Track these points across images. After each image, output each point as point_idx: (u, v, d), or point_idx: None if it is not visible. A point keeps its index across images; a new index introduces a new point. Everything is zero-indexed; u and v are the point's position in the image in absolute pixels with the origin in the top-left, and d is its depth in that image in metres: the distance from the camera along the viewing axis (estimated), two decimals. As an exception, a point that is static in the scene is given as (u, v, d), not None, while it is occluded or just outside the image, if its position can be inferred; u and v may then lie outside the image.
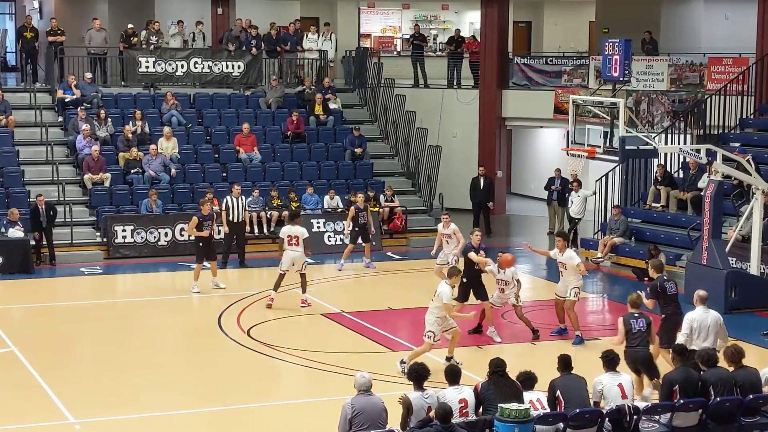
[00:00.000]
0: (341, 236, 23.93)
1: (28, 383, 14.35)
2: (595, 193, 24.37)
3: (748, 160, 19.24)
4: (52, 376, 14.53)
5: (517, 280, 16.71)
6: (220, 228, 21.74)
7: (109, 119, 25.07)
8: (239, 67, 27.68)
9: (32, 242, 21.71)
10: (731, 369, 11.94)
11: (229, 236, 21.75)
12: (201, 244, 19.61)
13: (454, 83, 29.48)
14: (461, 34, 30.90)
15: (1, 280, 20.71)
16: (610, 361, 11.59)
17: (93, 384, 14.48)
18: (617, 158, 19.05)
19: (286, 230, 18.50)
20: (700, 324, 13.21)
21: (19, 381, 14.49)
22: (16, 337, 16.51)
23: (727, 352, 12.01)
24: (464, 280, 16.31)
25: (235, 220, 21.70)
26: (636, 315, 13.44)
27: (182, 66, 27.24)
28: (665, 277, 14.67)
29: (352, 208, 21.74)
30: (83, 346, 16.75)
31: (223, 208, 21.66)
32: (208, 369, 15.17)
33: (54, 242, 22.04)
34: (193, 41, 28.14)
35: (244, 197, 22.33)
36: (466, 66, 29.80)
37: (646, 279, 19.39)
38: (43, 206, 21.83)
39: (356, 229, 21.77)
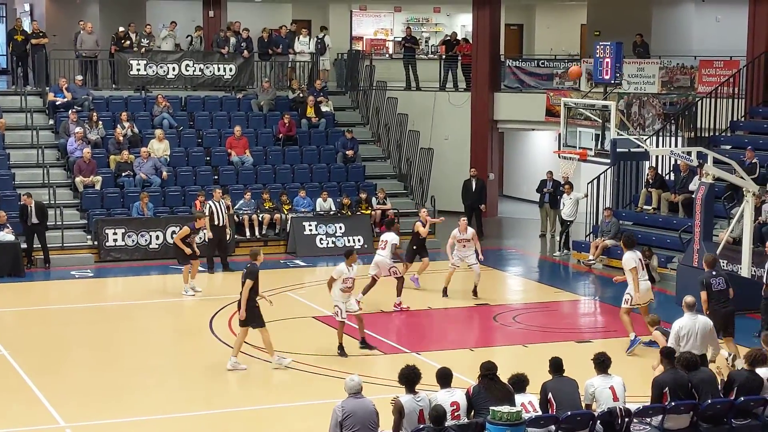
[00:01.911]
0: (333, 239, 23.91)
1: (19, 387, 14.32)
2: (586, 196, 24.40)
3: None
4: (42, 380, 14.49)
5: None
6: (205, 231, 21.74)
7: (100, 122, 25.03)
8: (231, 70, 27.66)
9: (23, 245, 21.66)
10: (744, 367, 11.95)
11: (214, 240, 21.69)
12: (183, 251, 19.69)
13: (450, 86, 29.49)
14: (456, 37, 30.90)
15: (-9, 283, 20.67)
16: (601, 363, 11.61)
17: (84, 387, 14.44)
18: (609, 161, 19.07)
19: (382, 236, 19.18)
20: (687, 331, 13.20)
21: (10, 384, 14.45)
22: (7, 340, 16.47)
23: (751, 356, 11.91)
24: (414, 247, 19.73)
25: (219, 224, 21.63)
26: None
27: (173, 69, 27.21)
28: (713, 273, 15.28)
29: (418, 223, 20.32)
30: (74, 349, 16.70)
31: (207, 212, 21.61)
32: (199, 372, 15.13)
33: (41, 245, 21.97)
34: (190, 45, 28.13)
35: (224, 201, 22.20)
36: (459, 68, 29.80)
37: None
38: (32, 206, 21.74)
39: (414, 247, 20.31)
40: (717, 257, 16.32)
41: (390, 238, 18.77)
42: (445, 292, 19.54)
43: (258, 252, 15.55)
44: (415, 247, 20.18)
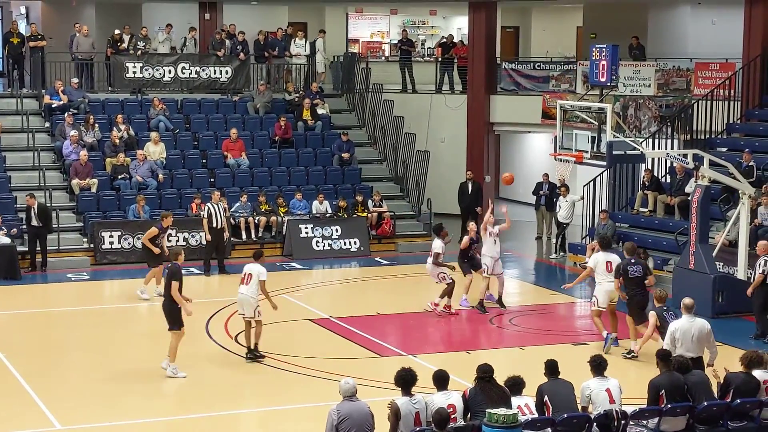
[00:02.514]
0: (329, 241, 23.91)
1: (15, 389, 14.31)
2: (582, 198, 24.42)
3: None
4: (38, 383, 14.48)
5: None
6: (201, 234, 21.73)
7: (96, 125, 25.03)
8: (227, 73, 27.67)
9: (23, 248, 21.66)
10: (740, 370, 11.96)
11: (211, 243, 21.67)
12: (153, 253, 19.37)
13: (447, 88, 29.51)
14: (452, 39, 30.95)
15: (-13, 286, 20.65)
16: (597, 365, 11.62)
17: (80, 390, 14.43)
18: (605, 163, 19.08)
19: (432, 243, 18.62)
20: (682, 334, 13.18)
21: (5, 387, 14.44)
22: (3, 343, 16.46)
23: (747, 357, 11.93)
24: (464, 260, 18.72)
25: (217, 227, 21.62)
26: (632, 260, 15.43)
27: (170, 71, 27.21)
28: (632, 260, 15.58)
29: (466, 238, 19.10)
30: (70, 352, 16.69)
31: (204, 215, 21.60)
32: (196, 375, 15.12)
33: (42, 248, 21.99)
34: (184, 46, 28.12)
35: (224, 203, 22.19)
36: (455, 71, 29.82)
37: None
38: (35, 207, 21.72)
39: (465, 260, 19.07)
40: (636, 246, 16.61)
41: (435, 245, 18.35)
42: (481, 304, 18.76)
43: (179, 252, 15.44)
44: (465, 260, 19.11)
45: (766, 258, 16.99)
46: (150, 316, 18.80)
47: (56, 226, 22.53)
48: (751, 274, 18.75)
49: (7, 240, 21.52)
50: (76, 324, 18.12)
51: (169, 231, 21.01)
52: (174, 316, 14.79)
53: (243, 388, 14.79)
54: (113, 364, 15.65)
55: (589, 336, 17.17)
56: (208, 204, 21.79)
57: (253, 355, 15.59)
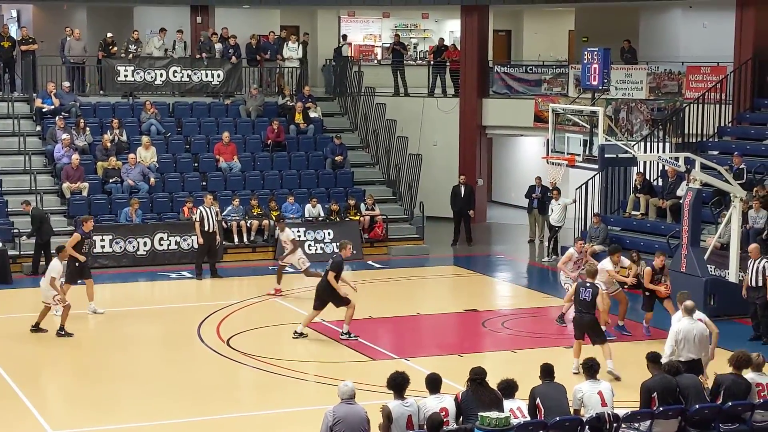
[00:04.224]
0: (322, 245, 23.90)
1: (5, 394, 14.27)
2: (575, 201, 24.45)
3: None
4: (29, 387, 14.46)
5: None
6: (193, 237, 21.71)
7: (88, 128, 25.00)
8: (219, 76, 27.65)
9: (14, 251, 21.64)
10: (729, 371, 11.99)
11: (204, 246, 21.66)
12: (77, 264, 18.46)
13: (439, 92, 29.54)
14: (444, 43, 30.98)
15: (-22, 290, 20.60)
16: (590, 368, 11.65)
17: (71, 394, 14.42)
18: (597, 166, 19.12)
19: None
20: (685, 336, 13.22)
21: (-3, 392, 14.42)
22: (-6, 347, 16.44)
23: (734, 357, 11.99)
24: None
25: (209, 230, 21.60)
26: (587, 284, 15.26)
27: (161, 75, 27.18)
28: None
29: (647, 269, 17.26)
30: (61, 356, 16.63)
31: (197, 218, 21.59)
32: (188, 378, 15.11)
33: (28, 252, 21.99)
34: (173, 50, 28.08)
35: (216, 207, 22.16)
36: (447, 74, 29.85)
37: (625, 287, 19.46)
38: (34, 213, 21.74)
39: (647, 293, 17.46)
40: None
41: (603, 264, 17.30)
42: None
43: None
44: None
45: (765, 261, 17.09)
46: (141, 319, 18.77)
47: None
48: (742, 276, 18.82)
49: (-2, 244, 21.50)
50: (67, 328, 18.08)
51: (92, 236, 20.30)
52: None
53: (235, 392, 14.78)
54: (105, 369, 15.63)
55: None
56: (201, 207, 21.77)
57: (37, 329, 17.24)
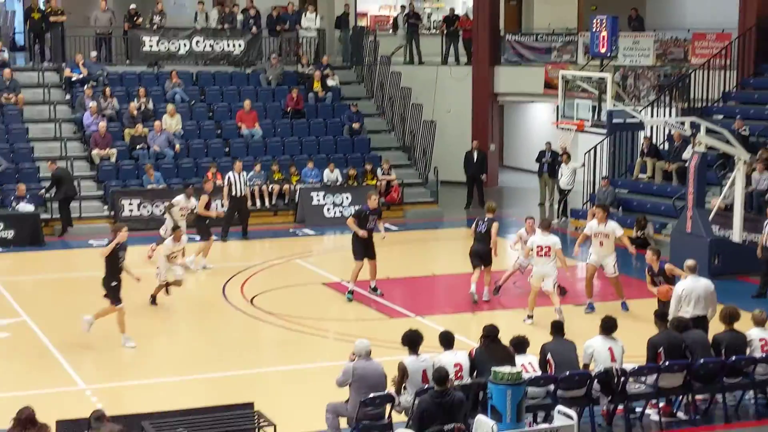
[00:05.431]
0: (340, 208, 23.90)
1: (40, 351, 14.39)
2: (584, 165, 24.37)
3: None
4: (62, 344, 14.56)
5: None
6: (221, 202, 21.76)
7: (115, 97, 25.00)
8: (240, 46, 27.57)
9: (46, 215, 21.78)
10: (721, 329, 12.00)
11: (231, 210, 21.72)
12: (207, 221, 19.38)
13: (452, 60, 29.37)
14: (455, 12, 30.78)
15: (12, 252, 20.70)
16: (608, 326, 11.60)
17: (102, 351, 14.50)
18: (605, 131, 19.10)
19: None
20: (689, 293, 13.17)
21: (30, 349, 14.53)
22: (28, 306, 16.54)
23: (723, 312, 12.05)
24: (358, 240, 16.92)
25: (238, 195, 21.67)
26: (486, 218, 16.56)
27: (185, 45, 27.13)
28: (483, 219, 16.66)
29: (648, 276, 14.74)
30: (92, 314, 16.72)
31: (226, 183, 21.65)
32: (213, 336, 15.19)
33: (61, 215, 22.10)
34: (195, 20, 28.01)
35: (245, 172, 22.29)
36: (460, 43, 29.68)
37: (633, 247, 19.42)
38: (54, 172, 21.86)
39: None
40: (493, 207, 17.02)
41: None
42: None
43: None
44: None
45: None
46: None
47: (77, 194, 22.53)
48: (746, 237, 18.76)
49: (30, 208, 21.58)
50: (98, 288, 18.12)
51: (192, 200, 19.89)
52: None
53: (259, 349, 14.85)
54: (134, 326, 15.69)
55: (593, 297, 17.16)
56: (230, 173, 21.85)
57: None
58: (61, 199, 21.91)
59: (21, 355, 14.34)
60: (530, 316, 15.73)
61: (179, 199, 19.46)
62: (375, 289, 17.09)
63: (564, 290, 16.75)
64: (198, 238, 19.40)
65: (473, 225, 16.95)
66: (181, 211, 19.32)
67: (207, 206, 19.44)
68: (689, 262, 13.51)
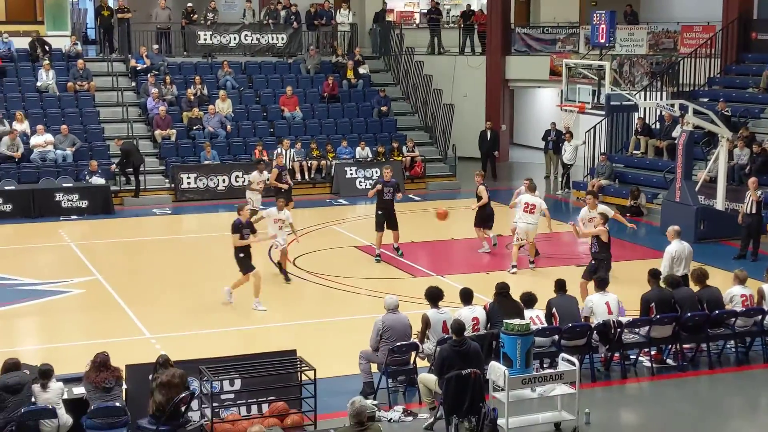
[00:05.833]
0: (370, 181, 23.85)
1: (111, 305, 14.51)
2: (584, 143, 24.22)
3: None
4: (130, 299, 14.68)
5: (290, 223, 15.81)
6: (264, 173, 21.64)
7: (174, 84, 25.02)
8: (282, 39, 27.51)
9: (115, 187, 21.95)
10: (696, 288, 11.96)
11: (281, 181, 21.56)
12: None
13: (469, 50, 29.18)
14: (471, 8, 30.55)
15: (86, 220, 20.85)
16: (601, 282, 11.62)
17: (166, 305, 14.61)
18: (603, 113, 18.92)
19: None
20: (679, 255, 13.13)
21: (103, 303, 14.65)
22: (100, 266, 16.66)
23: (694, 274, 12.04)
24: (379, 212, 16.86)
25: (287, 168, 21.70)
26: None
27: (235, 38, 27.10)
28: (388, 183, 16.68)
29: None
30: (157, 273, 16.82)
31: (274, 157, 21.60)
32: (262, 292, 15.21)
33: (127, 187, 22.25)
34: (243, 17, 27.96)
35: (291, 149, 22.53)
36: (475, 36, 29.49)
37: (627, 214, 19.33)
38: (121, 146, 22.05)
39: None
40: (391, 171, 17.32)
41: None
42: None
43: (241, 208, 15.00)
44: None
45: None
46: (223, 243, 18.87)
47: (143, 169, 22.62)
48: (728, 205, 18.61)
49: (102, 181, 21.71)
50: (162, 250, 18.30)
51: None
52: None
53: (299, 304, 14.89)
54: (194, 284, 15.81)
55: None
56: (278, 149, 22.27)
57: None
58: (135, 167, 22.04)
59: (95, 308, 14.47)
60: (514, 266, 16.01)
61: (254, 174, 19.19)
62: (397, 249, 17.11)
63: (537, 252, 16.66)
64: (266, 211, 16.93)
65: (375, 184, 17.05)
66: (258, 185, 19.06)
67: (278, 178, 19.15)
68: (675, 228, 13.46)
